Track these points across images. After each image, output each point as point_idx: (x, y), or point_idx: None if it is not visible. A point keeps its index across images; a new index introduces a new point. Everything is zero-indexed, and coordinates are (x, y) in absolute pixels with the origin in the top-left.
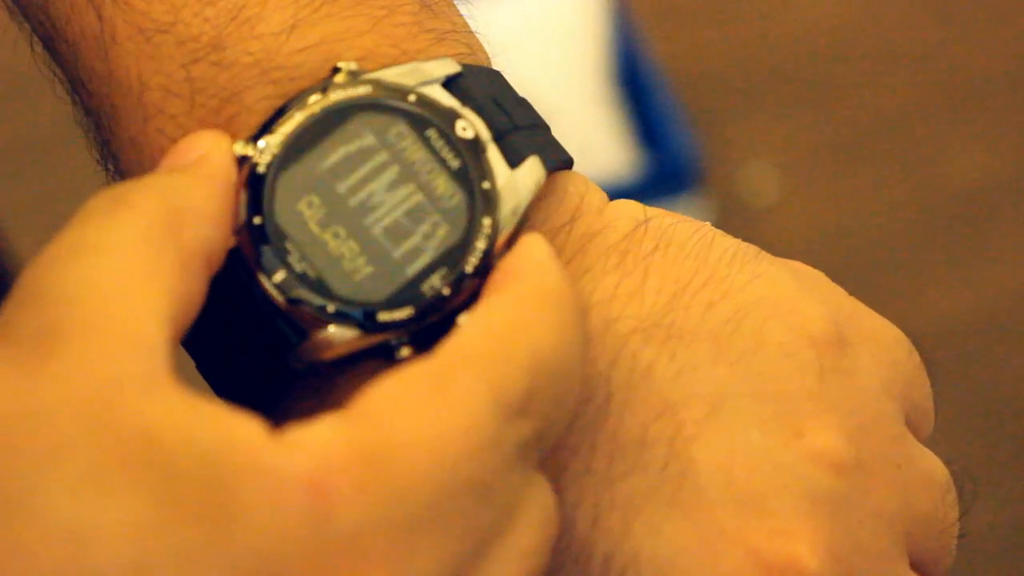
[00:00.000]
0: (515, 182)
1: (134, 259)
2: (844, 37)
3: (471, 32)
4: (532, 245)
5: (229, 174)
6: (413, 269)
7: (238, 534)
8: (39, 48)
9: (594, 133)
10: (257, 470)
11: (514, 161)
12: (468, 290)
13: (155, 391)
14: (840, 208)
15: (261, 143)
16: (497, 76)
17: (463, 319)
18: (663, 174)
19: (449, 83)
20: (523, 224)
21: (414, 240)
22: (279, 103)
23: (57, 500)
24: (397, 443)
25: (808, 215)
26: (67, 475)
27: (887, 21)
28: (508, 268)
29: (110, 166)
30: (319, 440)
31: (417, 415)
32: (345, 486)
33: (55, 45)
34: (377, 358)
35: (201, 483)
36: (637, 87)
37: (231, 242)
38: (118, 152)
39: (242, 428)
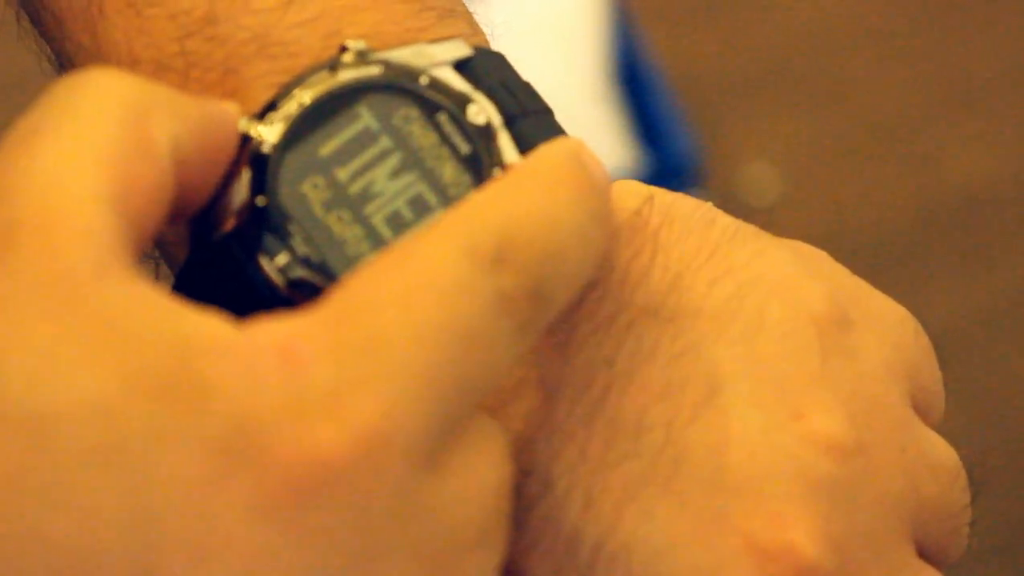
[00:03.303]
0: None
1: (86, 140)
2: (844, 37)
3: (469, 13)
4: (566, 142)
5: (228, 131)
6: None
7: (212, 407)
8: (26, 23)
9: (594, 132)
10: (223, 349)
11: (524, 147)
12: None
13: (107, 279)
14: (840, 208)
15: (265, 121)
16: (502, 59)
17: None
18: (663, 173)
19: (459, 66)
20: None
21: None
22: (278, 79)
23: (10, 383)
24: (363, 303)
25: (808, 215)
26: (21, 357)
27: (887, 21)
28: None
29: None
30: (286, 318)
31: (382, 275)
32: (316, 346)
33: (41, 18)
34: None
35: (167, 363)
36: (637, 87)
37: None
38: None
39: (204, 321)
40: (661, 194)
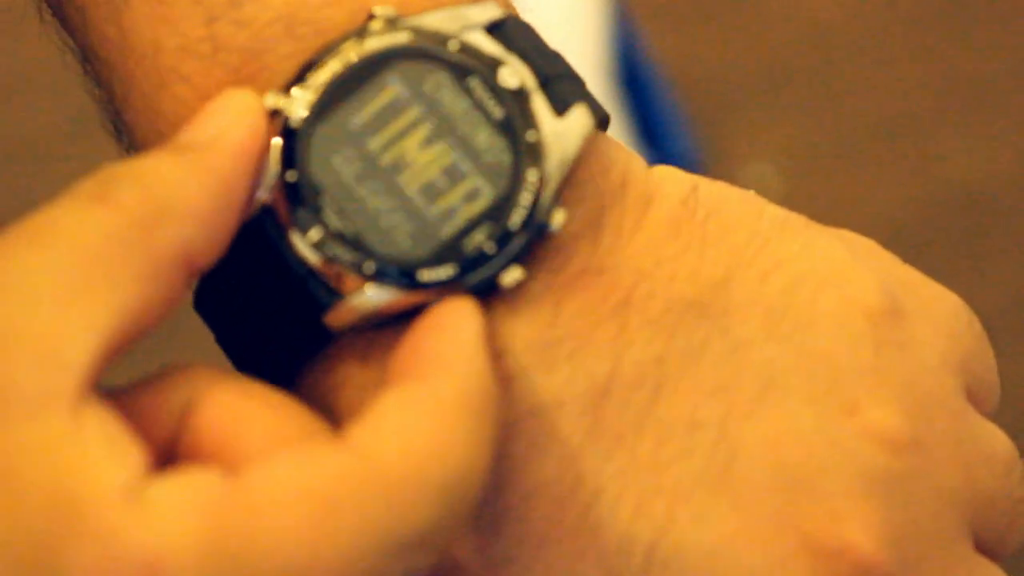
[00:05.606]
0: (562, 131)
1: (91, 264)
2: (844, 37)
3: None
4: (460, 320)
5: (242, 154)
6: (449, 229)
7: None
8: (48, 16)
9: None
10: (97, 535)
11: (560, 109)
12: (515, 246)
13: (41, 415)
14: (841, 208)
15: (293, 94)
16: (531, 27)
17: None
18: None
19: (491, 29)
20: (569, 177)
21: (450, 199)
22: (305, 59)
23: None
24: (258, 553)
25: (808, 215)
26: None
27: (887, 21)
28: (433, 349)
29: (124, 139)
30: (180, 513)
31: (293, 532)
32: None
33: (64, 10)
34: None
35: (36, 535)
36: (637, 87)
37: (221, 230)
38: (133, 123)
39: (103, 478)
40: (705, 183)
